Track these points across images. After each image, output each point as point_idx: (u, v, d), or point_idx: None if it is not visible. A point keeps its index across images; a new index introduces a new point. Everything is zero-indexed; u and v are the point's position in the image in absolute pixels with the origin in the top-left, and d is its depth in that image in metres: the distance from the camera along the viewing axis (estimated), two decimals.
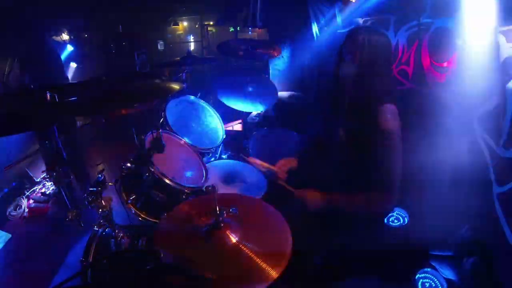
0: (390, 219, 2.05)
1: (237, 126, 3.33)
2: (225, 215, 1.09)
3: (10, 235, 2.32)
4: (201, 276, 0.87)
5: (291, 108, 3.34)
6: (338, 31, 2.98)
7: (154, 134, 1.51)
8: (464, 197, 1.79)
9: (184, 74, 2.55)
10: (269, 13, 3.63)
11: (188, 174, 1.81)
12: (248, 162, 1.82)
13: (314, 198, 1.43)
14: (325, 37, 3.18)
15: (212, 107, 2.40)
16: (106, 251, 1.40)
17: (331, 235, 1.45)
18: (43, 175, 2.84)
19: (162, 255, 0.76)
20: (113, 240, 1.40)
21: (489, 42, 1.62)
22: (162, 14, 6.60)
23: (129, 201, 1.53)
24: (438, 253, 1.88)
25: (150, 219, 1.57)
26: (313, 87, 3.47)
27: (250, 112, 3.28)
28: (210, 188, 1.06)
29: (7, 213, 2.58)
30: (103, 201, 1.32)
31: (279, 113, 3.31)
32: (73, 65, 4.23)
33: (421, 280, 1.76)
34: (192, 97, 2.34)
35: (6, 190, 2.70)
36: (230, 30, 5.99)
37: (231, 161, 2.20)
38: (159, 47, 6.29)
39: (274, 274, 0.94)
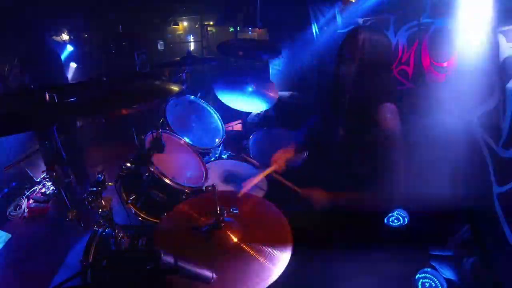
0: (390, 219, 2.04)
1: (237, 126, 3.34)
2: (225, 214, 1.09)
3: (10, 235, 2.32)
4: (201, 276, 0.87)
5: (291, 108, 3.33)
6: (338, 31, 2.98)
7: (154, 134, 1.51)
8: (464, 197, 1.79)
9: (184, 74, 2.56)
10: (269, 13, 3.64)
11: (188, 174, 1.81)
12: (248, 162, 1.81)
13: (320, 198, 1.43)
14: (325, 37, 3.18)
15: (212, 107, 2.40)
16: (106, 251, 1.39)
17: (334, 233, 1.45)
18: (43, 175, 2.84)
19: (162, 255, 0.76)
20: (113, 240, 1.40)
21: (489, 42, 1.62)
22: (162, 14, 6.62)
23: (129, 201, 1.53)
24: (438, 253, 1.88)
25: (150, 219, 1.58)
26: (313, 87, 3.46)
27: (250, 112, 3.29)
28: (210, 187, 1.06)
29: (7, 213, 2.58)
30: (103, 201, 1.31)
31: (279, 113, 3.31)
32: (73, 65, 4.22)
33: (421, 280, 1.75)
34: (192, 97, 2.34)
35: (6, 190, 2.70)
36: (230, 30, 6.00)
37: (231, 161, 2.21)
38: (159, 47, 6.30)
39: (275, 274, 0.94)
